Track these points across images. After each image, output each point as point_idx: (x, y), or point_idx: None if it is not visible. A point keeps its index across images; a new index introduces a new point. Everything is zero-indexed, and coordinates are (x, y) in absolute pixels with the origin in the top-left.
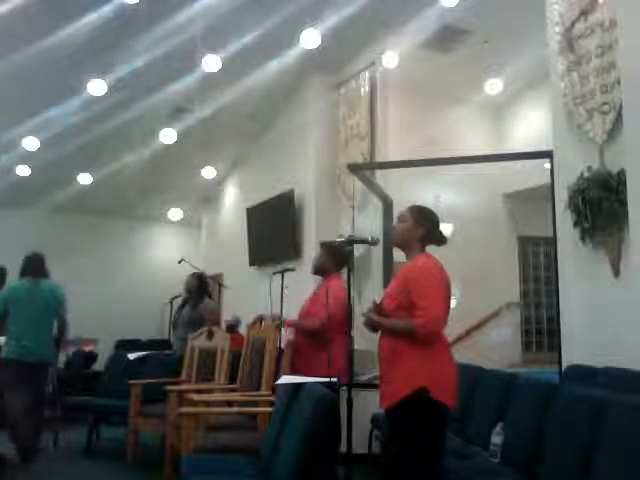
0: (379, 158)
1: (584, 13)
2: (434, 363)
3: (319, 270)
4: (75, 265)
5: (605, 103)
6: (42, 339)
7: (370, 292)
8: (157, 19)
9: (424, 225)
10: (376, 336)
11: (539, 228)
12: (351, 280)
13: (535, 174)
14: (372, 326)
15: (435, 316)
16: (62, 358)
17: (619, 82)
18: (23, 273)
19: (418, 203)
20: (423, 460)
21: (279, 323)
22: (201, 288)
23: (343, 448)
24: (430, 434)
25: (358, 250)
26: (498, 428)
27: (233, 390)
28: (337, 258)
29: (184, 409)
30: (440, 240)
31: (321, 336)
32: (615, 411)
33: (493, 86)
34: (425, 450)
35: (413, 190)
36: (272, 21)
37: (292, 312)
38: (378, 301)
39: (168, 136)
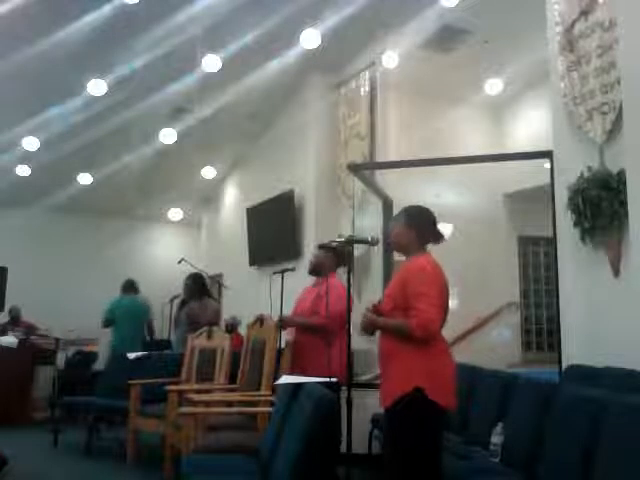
0: (379, 158)
1: (584, 13)
2: (431, 363)
3: (317, 269)
4: (75, 265)
5: (605, 103)
6: (131, 338)
7: (370, 292)
8: (157, 19)
9: (414, 227)
10: (376, 336)
11: (539, 228)
12: (351, 280)
13: (535, 174)
14: (368, 329)
15: (430, 317)
16: (62, 358)
17: (619, 82)
18: (123, 291)
19: (418, 203)
20: (419, 459)
21: (279, 323)
22: (198, 288)
23: (343, 448)
24: (425, 434)
25: (358, 250)
26: (498, 428)
27: (233, 390)
28: (338, 258)
29: (184, 409)
30: (436, 238)
31: (325, 334)
32: (615, 411)
33: (493, 86)
34: (421, 449)
35: (413, 190)
36: (272, 21)
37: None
38: (378, 302)
39: (168, 136)
